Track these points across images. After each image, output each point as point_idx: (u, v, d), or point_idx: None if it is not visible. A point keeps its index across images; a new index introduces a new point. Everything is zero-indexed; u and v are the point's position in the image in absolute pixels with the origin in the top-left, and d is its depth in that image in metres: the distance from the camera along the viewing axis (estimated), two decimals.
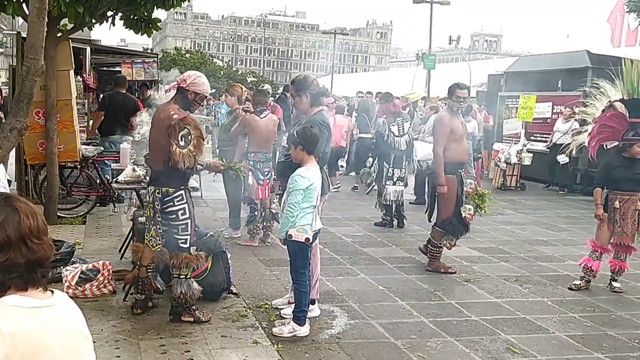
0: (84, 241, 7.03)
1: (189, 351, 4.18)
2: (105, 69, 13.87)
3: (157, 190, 4.60)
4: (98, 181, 8.59)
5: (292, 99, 5.57)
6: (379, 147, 9.07)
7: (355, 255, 7.19)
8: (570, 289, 6.15)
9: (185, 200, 4.63)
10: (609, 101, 6.18)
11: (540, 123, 14.05)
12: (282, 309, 5.08)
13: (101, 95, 10.85)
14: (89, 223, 7.98)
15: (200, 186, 9.06)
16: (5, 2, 6.76)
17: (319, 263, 5.22)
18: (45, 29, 5.16)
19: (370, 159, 10.62)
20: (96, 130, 9.77)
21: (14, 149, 6.70)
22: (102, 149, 8.82)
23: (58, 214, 7.95)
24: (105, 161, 8.83)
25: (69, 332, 1.71)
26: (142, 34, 8.13)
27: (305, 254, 4.61)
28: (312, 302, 4.92)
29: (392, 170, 8.74)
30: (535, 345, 4.68)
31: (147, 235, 4.73)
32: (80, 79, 9.72)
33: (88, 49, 10.47)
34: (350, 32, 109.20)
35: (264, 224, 7.40)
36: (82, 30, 8.17)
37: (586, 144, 6.59)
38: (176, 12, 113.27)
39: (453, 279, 6.37)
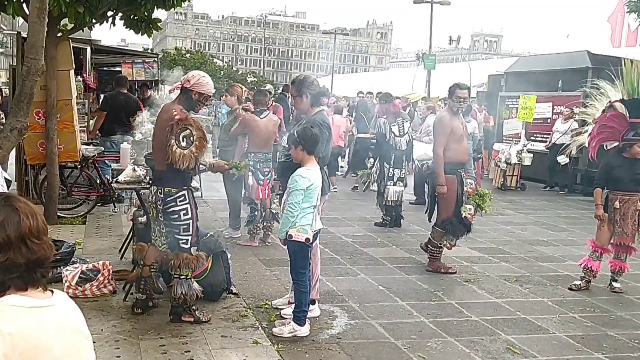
0: (84, 241, 7.03)
1: (189, 351, 4.18)
2: (105, 69, 13.87)
3: (160, 190, 4.59)
4: (98, 181, 8.60)
5: (293, 99, 5.57)
6: (381, 148, 9.07)
7: (355, 255, 7.19)
8: (570, 289, 6.15)
9: (187, 201, 4.62)
10: (609, 101, 6.18)
11: (541, 123, 14.05)
12: (282, 309, 5.08)
13: (102, 95, 10.86)
14: (89, 223, 7.98)
15: (200, 186, 9.06)
16: (6, 2, 6.76)
17: (319, 263, 5.22)
18: (46, 29, 5.15)
19: (372, 159, 10.63)
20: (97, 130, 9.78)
21: (14, 149, 6.69)
22: (102, 149, 8.83)
23: (58, 214, 7.96)
24: (106, 161, 8.84)
25: (69, 332, 1.71)
26: (142, 34, 8.14)
27: (306, 254, 4.61)
28: (312, 302, 4.92)
29: (393, 171, 8.75)
30: (535, 345, 4.68)
31: (153, 235, 4.75)
32: (81, 79, 9.73)
33: (88, 49, 10.48)
34: (350, 32, 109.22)
35: (264, 224, 7.40)
36: (83, 30, 8.17)
37: (586, 145, 6.58)
38: (176, 12, 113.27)
39: (453, 279, 6.37)
